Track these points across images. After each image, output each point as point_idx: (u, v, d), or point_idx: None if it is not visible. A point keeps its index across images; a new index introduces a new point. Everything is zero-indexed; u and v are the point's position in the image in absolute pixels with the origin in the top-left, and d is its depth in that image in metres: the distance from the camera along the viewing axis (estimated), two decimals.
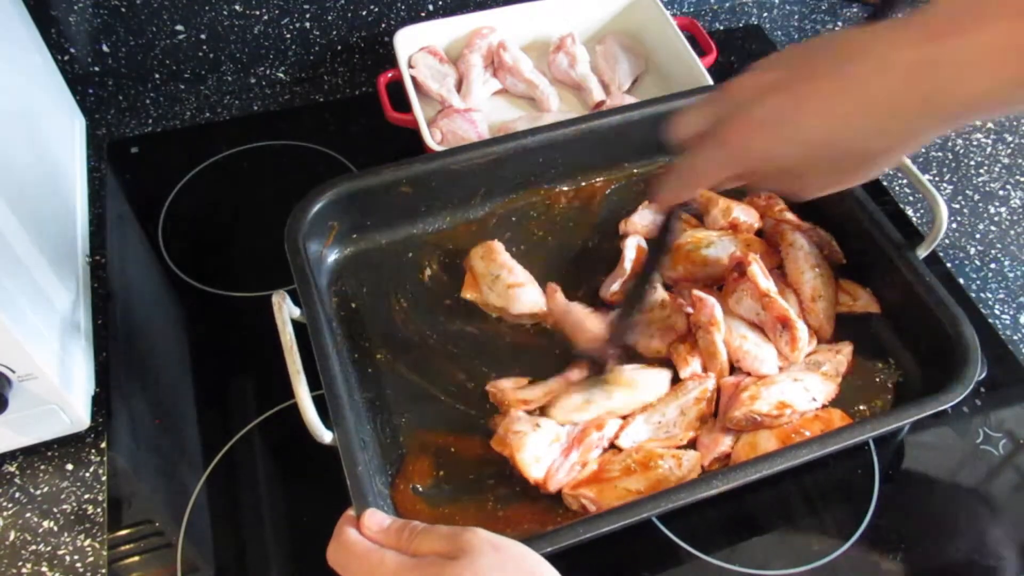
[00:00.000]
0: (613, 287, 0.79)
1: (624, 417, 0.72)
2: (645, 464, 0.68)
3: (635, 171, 0.91)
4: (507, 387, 0.73)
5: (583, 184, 0.89)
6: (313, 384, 0.64)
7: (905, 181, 0.95)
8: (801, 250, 0.79)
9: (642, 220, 0.85)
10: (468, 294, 0.80)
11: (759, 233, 0.84)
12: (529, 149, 0.84)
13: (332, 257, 0.82)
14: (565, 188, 0.89)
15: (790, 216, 0.83)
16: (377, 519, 0.57)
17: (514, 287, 0.78)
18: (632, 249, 0.81)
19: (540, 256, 0.84)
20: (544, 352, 0.77)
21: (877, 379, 0.76)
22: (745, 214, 0.83)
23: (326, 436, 0.63)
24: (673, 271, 0.80)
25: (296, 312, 0.70)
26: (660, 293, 0.78)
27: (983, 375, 0.78)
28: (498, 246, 0.81)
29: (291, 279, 0.73)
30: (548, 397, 0.73)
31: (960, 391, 0.67)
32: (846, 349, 0.76)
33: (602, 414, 0.71)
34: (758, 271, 0.75)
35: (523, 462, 0.67)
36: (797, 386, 0.71)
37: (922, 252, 0.76)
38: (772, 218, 0.84)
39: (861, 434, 0.67)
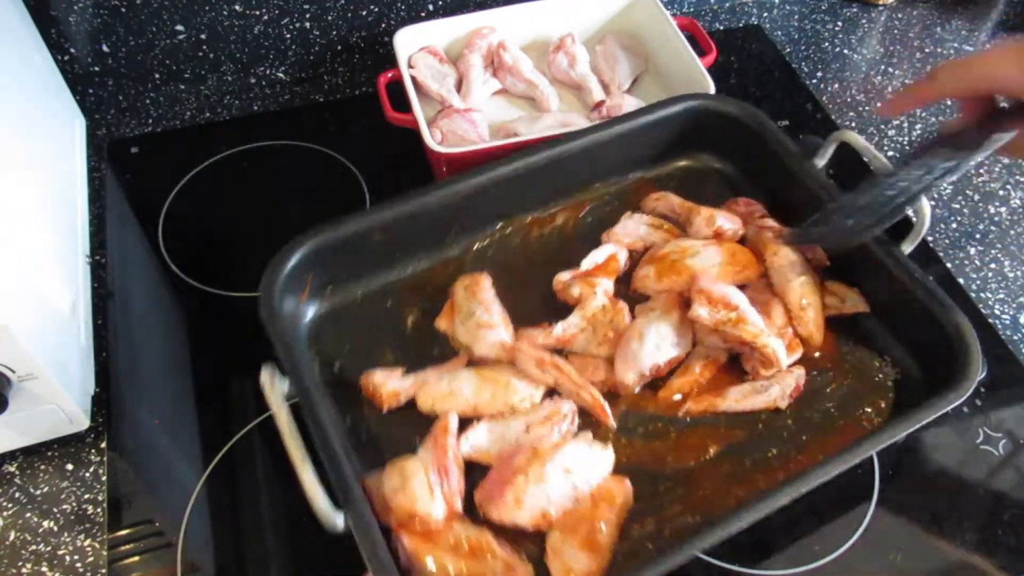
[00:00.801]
0: (563, 277, 0.78)
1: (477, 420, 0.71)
2: (474, 552, 0.63)
3: (608, 190, 0.89)
4: (379, 379, 0.72)
5: (558, 209, 0.87)
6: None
7: None
8: (786, 259, 0.78)
9: (624, 230, 0.83)
10: (441, 324, 0.78)
11: (742, 240, 0.83)
12: (498, 181, 0.81)
13: (308, 316, 0.78)
14: (540, 215, 0.87)
15: (770, 222, 0.82)
16: None
17: (483, 328, 0.75)
18: (602, 253, 0.80)
19: (522, 287, 0.80)
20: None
21: (876, 378, 0.75)
22: (729, 221, 0.82)
23: (339, 522, 0.59)
24: (658, 283, 0.78)
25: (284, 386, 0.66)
26: (600, 299, 0.76)
27: (983, 375, 0.78)
28: (484, 282, 0.79)
29: None
30: (417, 388, 0.72)
31: (966, 387, 0.66)
32: (797, 372, 0.74)
33: (464, 407, 0.70)
34: (701, 311, 0.73)
35: (425, 512, 0.63)
36: (565, 480, 0.66)
37: (907, 247, 0.75)
38: (754, 224, 0.83)
39: (870, 448, 0.65)
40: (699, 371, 0.74)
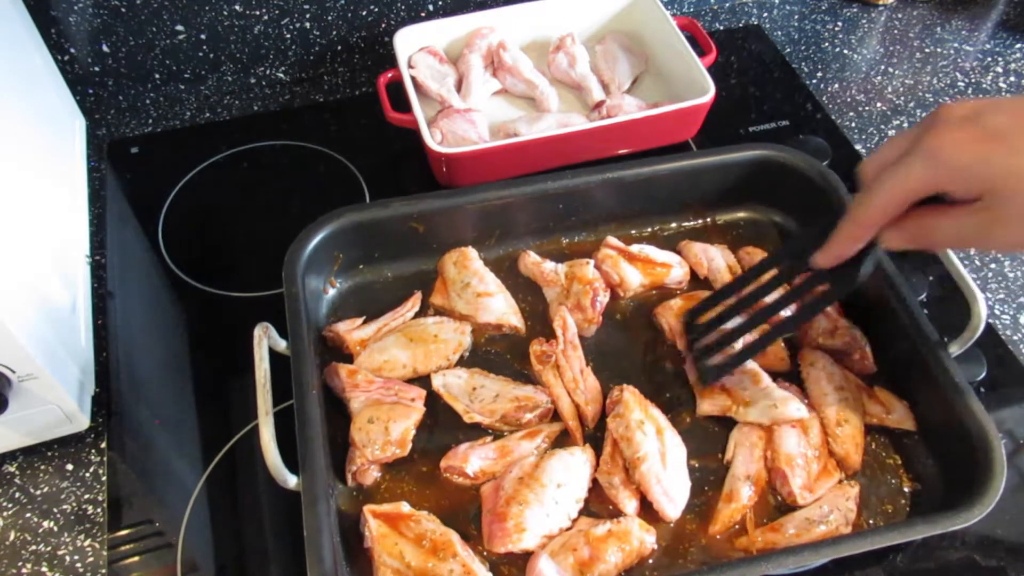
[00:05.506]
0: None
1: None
2: (436, 549, 0.64)
3: (659, 228, 0.86)
4: (342, 329, 0.76)
5: (601, 237, 0.84)
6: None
7: None
8: (823, 371, 0.74)
9: (703, 250, 0.82)
10: (436, 300, 0.80)
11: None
12: (548, 195, 0.81)
13: (336, 287, 0.81)
14: (588, 239, 0.85)
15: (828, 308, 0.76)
16: None
17: (483, 296, 0.77)
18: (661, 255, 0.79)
19: (545, 303, 0.81)
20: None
21: (891, 482, 0.71)
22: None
23: (290, 481, 0.63)
24: (675, 321, 0.77)
25: (282, 344, 0.70)
26: (591, 271, 0.78)
27: (983, 375, 0.78)
28: (472, 253, 0.80)
29: None
30: (380, 333, 0.76)
31: (978, 512, 0.63)
32: (852, 492, 0.68)
33: (403, 372, 0.74)
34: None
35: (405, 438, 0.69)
36: (559, 492, 0.67)
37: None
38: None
39: (860, 547, 0.62)
40: (748, 498, 0.68)
